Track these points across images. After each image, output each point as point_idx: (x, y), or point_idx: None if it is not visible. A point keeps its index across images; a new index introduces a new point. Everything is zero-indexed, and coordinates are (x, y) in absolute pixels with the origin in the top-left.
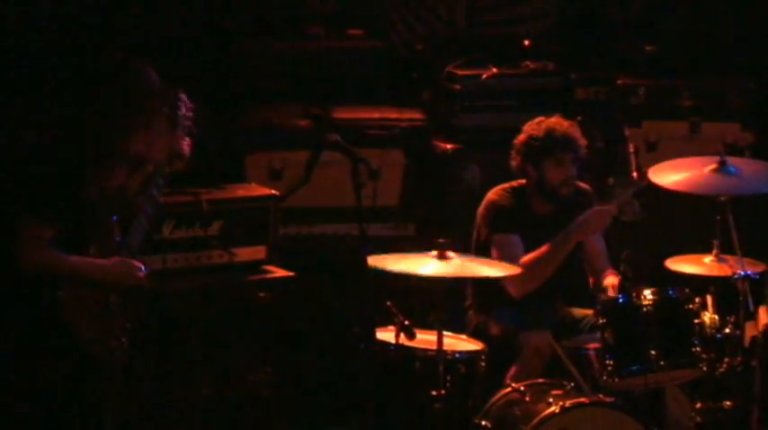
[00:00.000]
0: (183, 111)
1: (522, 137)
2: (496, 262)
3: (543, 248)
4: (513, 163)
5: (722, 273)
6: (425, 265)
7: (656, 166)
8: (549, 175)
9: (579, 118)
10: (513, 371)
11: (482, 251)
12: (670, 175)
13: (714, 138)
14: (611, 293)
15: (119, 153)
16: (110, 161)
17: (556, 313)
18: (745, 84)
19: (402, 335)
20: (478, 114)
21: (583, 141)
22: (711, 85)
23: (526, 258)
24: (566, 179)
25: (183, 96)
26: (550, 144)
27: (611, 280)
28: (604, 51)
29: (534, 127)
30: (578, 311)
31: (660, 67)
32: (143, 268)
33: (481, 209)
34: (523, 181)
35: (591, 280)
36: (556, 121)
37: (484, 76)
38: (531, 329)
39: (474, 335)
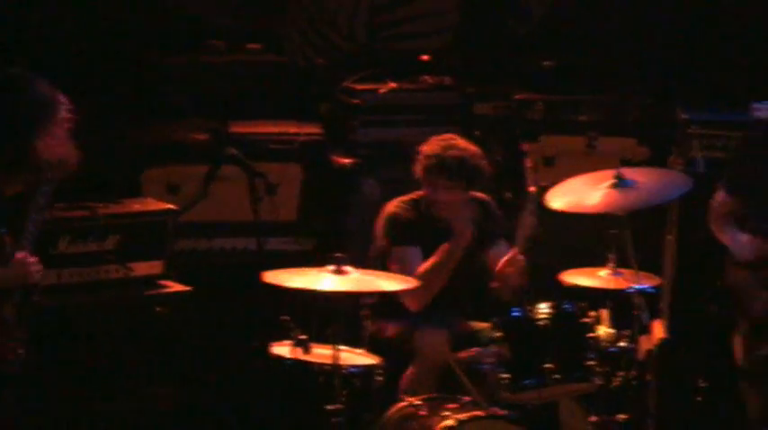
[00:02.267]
0: (65, 114)
1: (421, 152)
2: (394, 275)
3: (433, 258)
4: (416, 171)
5: (618, 287)
6: (322, 280)
7: (552, 191)
8: (436, 202)
9: (477, 132)
10: (410, 372)
11: (381, 264)
12: (567, 198)
13: (611, 153)
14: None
15: (20, 162)
16: (10, 170)
17: (453, 326)
18: (642, 99)
19: (297, 350)
20: (377, 129)
21: (466, 168)
22: (608, 101)
23: (421, 268)
24: (434, 201)
25: (64, 99)
26: (429, 165)
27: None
28: (503, 66)
29: (427, 150)
30: (475, 324)
31: (558, 82)
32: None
33: (379, 221)
34: (423, 192)
35: (495, 284)
36: (442, 143)
37: (382, 90)
38: (422, 328)
39: (370, 342)
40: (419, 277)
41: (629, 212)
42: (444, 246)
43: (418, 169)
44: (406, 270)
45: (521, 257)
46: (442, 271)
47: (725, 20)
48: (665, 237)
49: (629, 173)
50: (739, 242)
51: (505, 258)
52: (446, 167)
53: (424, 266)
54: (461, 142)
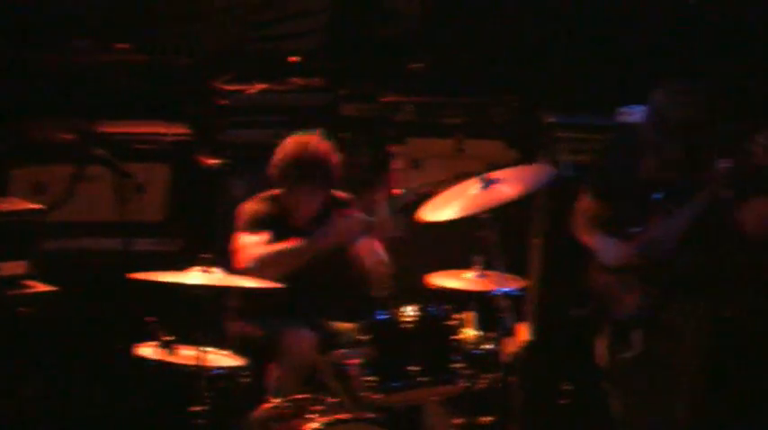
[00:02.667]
0: None
1: (277, 154)
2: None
3: (285, 243)
4: (272, 175)
5: (483, 289)
6: (188, 279)
7: (426, 207)
8: (297, 202)
9: (345, 134)
10: (276, 373)
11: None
12: (443, 211)
13: (478, 155)
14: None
15: None
16: None
17: (320, 327)
18: (510, 102)
19: (162, 351)
20: (245, 130)
21: (324, 168)
22: (476, 104)
23: (268, 248)
24: (296, 203)
25: None
26: (290, 168)
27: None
28: (371, 68)
29: (287, 149)
30: (341, 326)
31: (426, 84)
32: None
33: (238, 212)
34: (280, 191)
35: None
36: (301, 144)
37: (250, 91)
38: (288, 328)
39: (235, 343)
40: (264, 255)
41: (499, 209)
42: (298, 241)
43: (273, 170)
44: (248, 252)
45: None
46: (290, 257)
47: (593, 25)
48: (531, 240)
49: (492, 174)
50: (604, 246)
51: (369, 246)
52: (300, 168)
53: (275, 247)
54: (315, 141)
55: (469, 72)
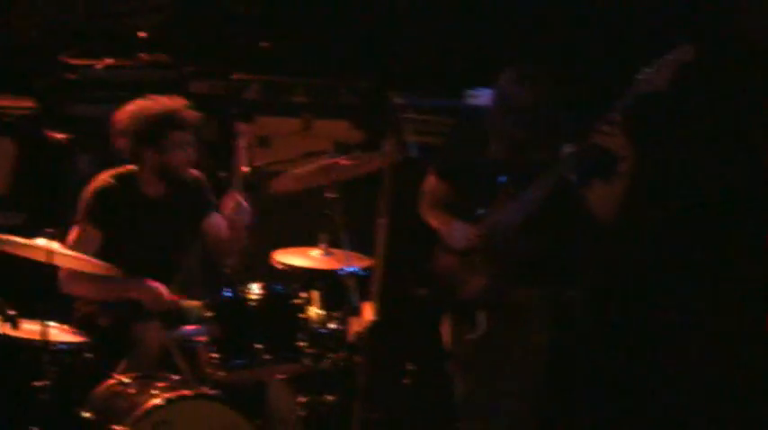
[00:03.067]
0: None
1: (129, 117)
2: (74, 252)
3: (100, 271)
4: (121, 146)
5: (329, 268)
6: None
7: (279, 179)
8: (169, 158)
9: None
10: (124, 365)
11: None
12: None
13: (326, 135)
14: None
15: None
16: None
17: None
18: (358, 81)
19: (5, 325)
20: (92, 105)
21: (197, 119)
22: (324, 83)
23: (81, 265)
24: (188, 160)
25: None
26: (171, 124)
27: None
28: (221, 46)
29: (148, 107)
30: (187, 303)
31: (275, 63)
32: None
33: (84, 195)
34: (132, 166)
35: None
36: (170, 99)
37: (98, 66)
38: (140, 320)
39: (80, 325)
40: (70, 273)
41: (340, 195)
42: (114, 281)
43: (127, 139)
44: (78, 249)
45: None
46: (92, 287)
47: (442, 7)
48: (377, 220)
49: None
50: (449, 227)
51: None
52: (168, 117)
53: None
54: (164, 98)
55: (318, 52)
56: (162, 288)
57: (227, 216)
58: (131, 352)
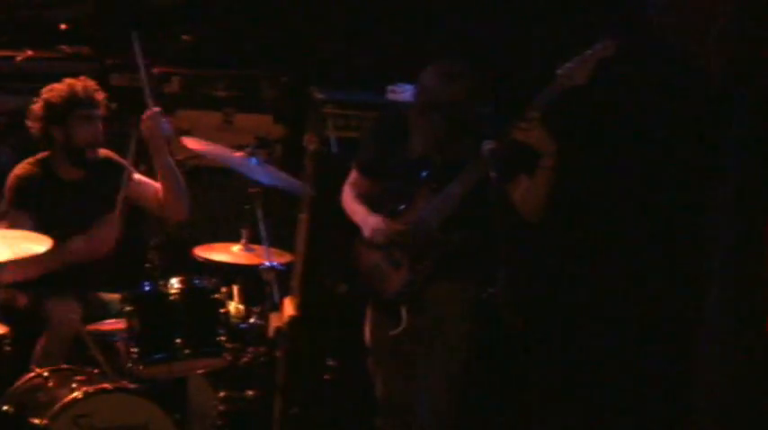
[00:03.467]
0: None
1: (40, 102)
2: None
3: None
4: (35, 130)
5: (250, 263)
6: None
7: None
8: (76, 134)
9: (114, 105)
10: (42, 342)
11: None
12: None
13: (247, 129)
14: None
15: None
16: None
17: (85, 296)
18: (279, 76)
19: None
20: (12, 96)
21: (103, 97)
22: (246, 77)
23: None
24: (94, 136)
25: None
26: (75, 101)
27: None
28: (142, 38)
29: (55, 88)
30: (106, 296)
31: (195, 56)
32: None
33: (7, 183)
34: (47, 152)
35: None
36: (76, 80)
37: (18, 58)
38: (55, 297)
39: (1, 310)
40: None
41: (262, 190)
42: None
43: (45, 118)
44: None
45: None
46: (27, 264)
47: (365, 2)
48: (298, 215)
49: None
50: (369, 222)
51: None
52: (92, 98)
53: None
54: (71, 80)
55: (239, 46)
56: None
57: (145, 135)
58: (48, 327)
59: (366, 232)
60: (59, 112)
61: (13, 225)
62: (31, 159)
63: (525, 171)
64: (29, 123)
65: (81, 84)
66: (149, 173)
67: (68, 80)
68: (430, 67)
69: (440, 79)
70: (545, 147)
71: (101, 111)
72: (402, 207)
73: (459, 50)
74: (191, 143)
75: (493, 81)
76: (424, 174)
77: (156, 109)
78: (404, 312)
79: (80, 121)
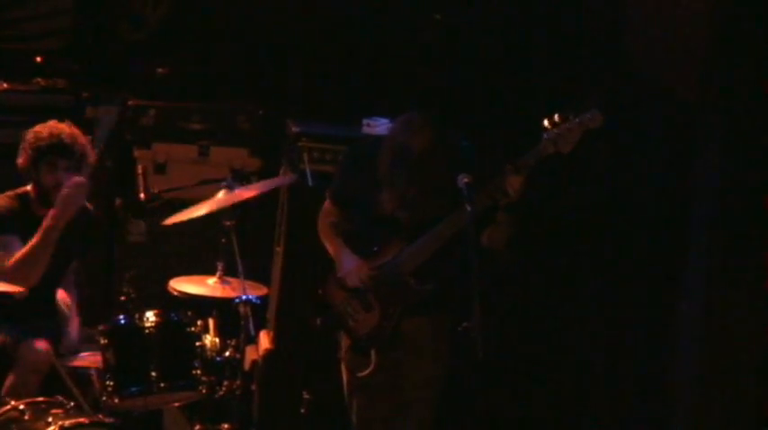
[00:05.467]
0: None
1: (30, 137)
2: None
3: (30, 242)
4: (20, 161)
5: (225, 296)
6: None
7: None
8: (43, 179)
9: (89, 137)
10: (9, 382)
11: None
12: (188, 213)
13: (223, 162)
14: None
15: None
16: None
17: (56, 328)
18: (255, 109)
19: None
20: None
21: (81, 148)
22: (221, 110)
23: (15, 257)
24: (56, 184)
25: None
26: (45, 148)
27: None
28: (117, 72)
29: (39, 129)
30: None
31: (171, 89)
32: None
33: None
34: (28, 187)
35: None
36: (54, 125)
37: None
38: (28, 338)
39: None
40: (19, 259)
41: (237, 223)
42: (44, 221)
43: (25, 157)
44: (8, 256)
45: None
46: (42, 248)
47: (341, 35)
48: (274, 248)
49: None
50: (344, 263)
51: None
52: (60, 146)
53: (23, 251)
54: (59, 123)
55: (216, 79)
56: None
57: (61, 195)
58: (16, 369)
59: (339, 271)
60: (35, 156)
61: (5, 248)
62: (10, 193)
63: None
64: (19, 157)
65: (60, 130)
66: None
67: (55, 124)
68: (397, 120)
69: (408, 132)
70: (519, 195)
71: (74, 162)
72: (376, 249)
73: (436, 84)
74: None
75: (466, 127)
76: (402, 207)
77: (84, 180)
78: (373, 354)
79: (46, 169)
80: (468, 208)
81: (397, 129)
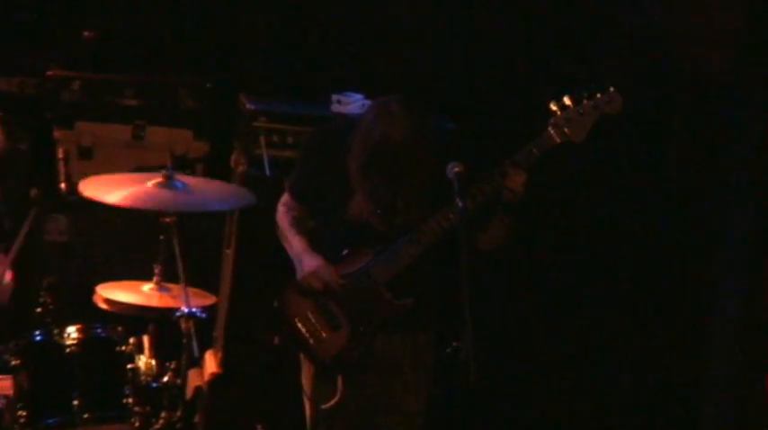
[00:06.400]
0: None
1: None
2: None
3: None
4: None
5: (164, 306)
6: None
7: (90, 179)
8: None
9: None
10: None
11: None
12: (108, 190)
13: (162, 146)
14: None
15: None
16: None
17: None
18: (200, 82)
19: None
20: None
21: None
22: (160, 83)
23: None
24: None
25: None
26: None
27: None
28: (32, 35)
29: None
30: None
31: (100, 57)
32: None
33: None
34: None
35: None
36: None
37: None
38: None
39: None
40: None
41: (179, 220)
42: None
43: None
44: None
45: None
46: None
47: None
48: (223, 250)
49: (182, 177)
50: (306, 263)
51: None
52: None
53: None
54: None
55: (153, 45)
56: None
57: None
58: None
59: (300, 272)
60: None
61: None
62: None
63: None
64: None
65: None
66: None
67: None
68: (371, 106)
69: (382, 120)
70: (521, 189)
71: None
72: (345, 252)
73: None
74: (88, 190)
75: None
76: (379, 212)
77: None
78: (340, 382)
79: None
80: (460, 203)
81: (372, 119)
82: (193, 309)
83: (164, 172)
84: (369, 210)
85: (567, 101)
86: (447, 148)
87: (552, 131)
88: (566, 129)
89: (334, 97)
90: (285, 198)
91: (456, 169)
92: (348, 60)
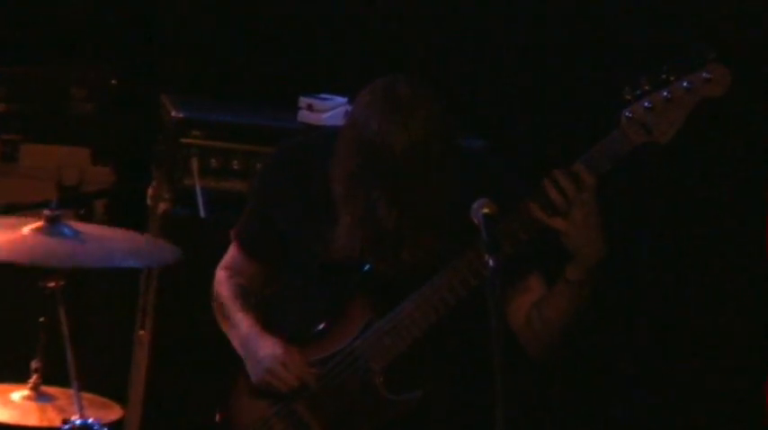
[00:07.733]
0: None
1: None
2: None
3: None
4: None
5: (46, 424)
6: None
7: None
8: None
9: None
10: None
11: None
12: None
13: (43, 172)
14: None
15: None
16: None
17: None
18: (102, 76)
19: None
20: None
21: None
22: (43, 77)
23: None
24: None
25: None
26: None
27: None
28: None
29: None
30: None
31: None
32: None
33: None
34: None
35: None
36: None
37: None
38: None
39: None
40: None
41: (65, 274)
42: None
43: None
44: None
45: None
46: None
47: None
48: (135, 334)
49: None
50: (259, 351)
51: None
52: None
53: None
54: None
55: (31, 26)
56: None
57: None
58: None
59: (251, 368)
60: None
61: None
62: None
63: (538, 269)
64: None
65: None
66: None
67: None
68: (367, 88)
69: (383, 110)
70: (586, 244)
71: None
72: (321, 327)
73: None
74: None
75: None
76: (366, 268)
77: None
78: None
79: None
80: (491, 262)
81: (368, 106)
82: (89, 421)
83: (46, 212)
84: (359, 244)
85: (645, 83)
86: (474, 174)
87: (629, 126)
88: (648, 124)
89: (304, 101)
90: (229, 256)
91: (485, 210)
92: (327, 47)
